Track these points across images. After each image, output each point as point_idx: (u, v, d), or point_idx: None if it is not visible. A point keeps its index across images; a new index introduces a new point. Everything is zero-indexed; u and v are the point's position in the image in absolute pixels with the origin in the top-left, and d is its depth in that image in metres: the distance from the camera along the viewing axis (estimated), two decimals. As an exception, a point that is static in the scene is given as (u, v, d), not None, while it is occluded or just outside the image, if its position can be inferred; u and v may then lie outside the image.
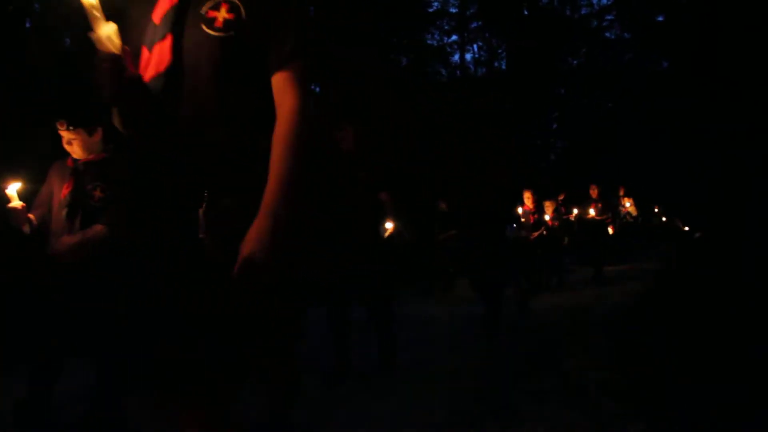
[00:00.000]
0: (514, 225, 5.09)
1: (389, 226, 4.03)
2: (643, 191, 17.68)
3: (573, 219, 10.00)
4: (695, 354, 4.34)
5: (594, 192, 9.94)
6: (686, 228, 19.93)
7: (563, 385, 3.77)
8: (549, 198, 8.90)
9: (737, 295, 6.44)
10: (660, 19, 19.58)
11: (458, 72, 19.73)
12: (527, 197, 8.37)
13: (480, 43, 20.65)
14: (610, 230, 11.86)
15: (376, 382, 3.93)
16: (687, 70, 18.77)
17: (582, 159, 20.35)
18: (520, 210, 7.98)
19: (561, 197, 9.63)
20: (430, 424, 3.07)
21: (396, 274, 4.15)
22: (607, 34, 21.48)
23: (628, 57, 21.37)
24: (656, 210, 17.42)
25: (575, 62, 21.90)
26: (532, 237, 8.23)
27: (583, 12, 21.12)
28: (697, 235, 20.05)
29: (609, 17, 21.01)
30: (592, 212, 9.66)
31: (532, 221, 8.31)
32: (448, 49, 19.79)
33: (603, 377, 3.83)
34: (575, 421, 3.06)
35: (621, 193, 12.10)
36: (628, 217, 11.45)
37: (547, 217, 8.72)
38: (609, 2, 20.68)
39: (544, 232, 8.42)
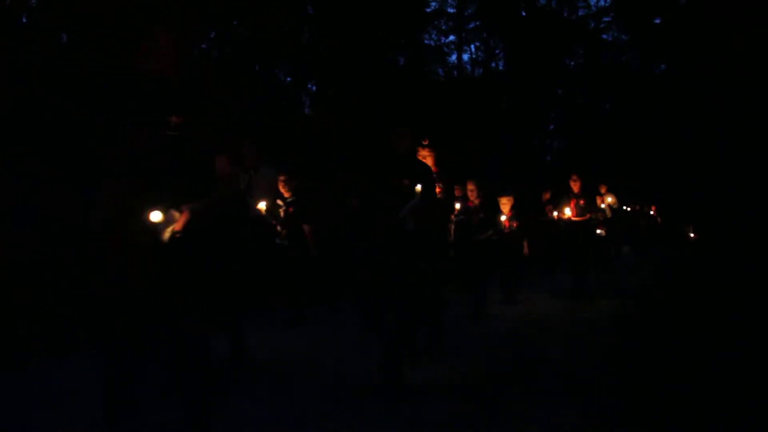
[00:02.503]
0: (410, 217, 3.53)
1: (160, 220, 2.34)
2: (637, 194, 17.80)
3: (552, 218, 8.64)
4: (695, 354, 4.44)
5: (576, 185, 7.81)
6: (692, 235, 19.81)
7: (562, 385, 3.76)
8: (507, 194, 7.19)
9: (736, 296, 6.51)
10: (657, 21, 19.71)
11: (455, 72, 19.95)
12: (470, 189, 6.49)
13: (477, 44, 20.87)
14: (601, 233, 11.02)
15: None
16: (684, 72, 18.90)
17: (578, 159, 20.49)
18: (458, 205, 6.03)
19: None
20: (429, 425, 3.06)
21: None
22: (605, 36, 21.65)
23: (625, 58, 21.53)
24: (638, 209, 17.14)
25: (573, 63, 22.06)
26: (479, 238, 6.55)
27: (580, 13, 21.28)
28: (692, 235, 20.14)
29: (606, 19, 21.17)
30: (567, 212, 7.78)
31: (476, 220, 6.49)
32: (446, 50, 20.03)
33: (603, 377, 3.88)
34: (575, 421, 3.06)
35: (603, 191, 11.53)
36: (600, 215, 10.05)
37: (503, 217, 7.03)
38: (607, 4, 20.83)
39: (494, 237, 6.76)
